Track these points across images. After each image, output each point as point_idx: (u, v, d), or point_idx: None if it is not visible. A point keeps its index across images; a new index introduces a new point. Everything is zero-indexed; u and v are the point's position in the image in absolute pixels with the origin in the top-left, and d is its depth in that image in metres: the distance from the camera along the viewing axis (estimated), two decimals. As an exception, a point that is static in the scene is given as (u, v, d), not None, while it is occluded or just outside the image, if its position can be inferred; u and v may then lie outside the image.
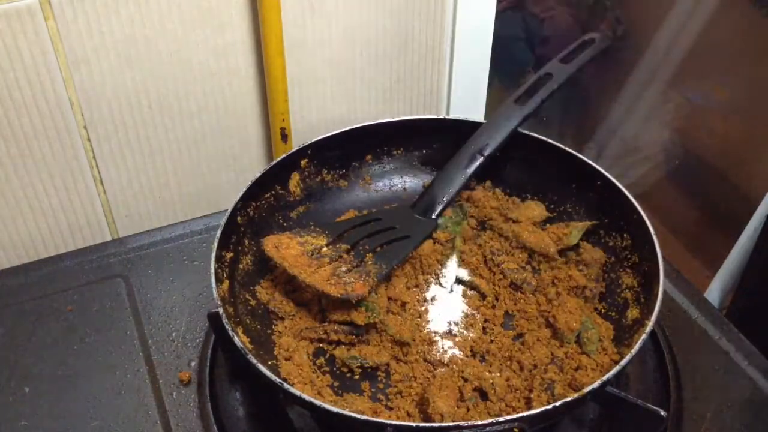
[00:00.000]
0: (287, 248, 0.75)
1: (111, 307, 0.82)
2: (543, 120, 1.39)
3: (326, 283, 0.72)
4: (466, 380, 0.69)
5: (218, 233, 0.74)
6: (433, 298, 0.80)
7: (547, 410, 0.60)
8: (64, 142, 0.87)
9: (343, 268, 0.74)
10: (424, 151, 0.92)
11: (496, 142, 0.82)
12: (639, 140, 1.27)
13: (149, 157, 0.93)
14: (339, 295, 0.71)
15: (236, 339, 0.65)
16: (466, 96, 1.07)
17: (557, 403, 0.60)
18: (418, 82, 1.03)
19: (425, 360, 0.73)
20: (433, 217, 0.82)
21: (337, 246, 0.77)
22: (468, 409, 0.67)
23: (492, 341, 0.74)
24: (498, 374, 0.70)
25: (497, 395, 0.68)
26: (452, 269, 0.82)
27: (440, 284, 0.81)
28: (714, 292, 1.09)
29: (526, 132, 0.86)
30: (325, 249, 0.76)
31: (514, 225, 0.85)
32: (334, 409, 0.60)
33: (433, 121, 0.90)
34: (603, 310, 0.77)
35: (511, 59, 1.40)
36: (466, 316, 0.78)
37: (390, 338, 0.73)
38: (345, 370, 0.73)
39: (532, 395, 0.67)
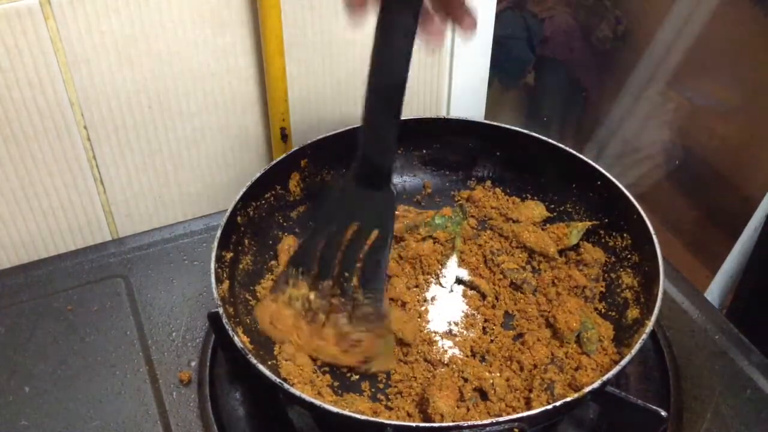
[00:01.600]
0: (281, 319, 0.73)
1: (111, 307, 0.83)
2: (543, 120, 1.40)
3: (341, 353, 0.71)
4: (466, 380, 0.69)
5: (218, 233, 0.74)
6: (433, 298, 0.80)
7: (547, 410, 0.60)
8: (64, 142, 0.87)
9: (343, 320, 0.71)
10: (424, 151, 0.92)
11: None
12: (639, 140, 1.28)
13: (149, 157, 0.93)
14: (360, 364, 0.71)
15: (236, 339, 0.65)
16: (466, 96, 1.07)
17: (557, 403, 0.60)
18: (418, 82, 1.03)
19: (425, 360, 0.73)
20: (390, 188, 0.72)
21: (320, 286, 0.72)
22: (468, 409, 0.67)
23: (492, 341, 0.74)
24: (498, 374, 0.70)
25: (497, 395, 0.68)
26: (452, 269, 0.82)
27: (440, 284, 0.81)
28: (714, 292, 1.09)
29: (527, 132, 0.86)
30: (312, 297, 0.72)
31: (514, 225, 0.85)
32: (334, 409, 0.60)
33: (433, 121, 0.90)
34: (603, 310, 0.77)
35: (511, 59, 1.40)
36: (466, 316, 0.78)
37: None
38: (345, 370, 0.73)
39: (531, 395, 0.67)
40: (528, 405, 0.67)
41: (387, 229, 0.71)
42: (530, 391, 0.68)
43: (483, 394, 0.68)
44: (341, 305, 0.71)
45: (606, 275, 0.80)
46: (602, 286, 0.79)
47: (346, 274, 0.71)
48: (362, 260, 0.71)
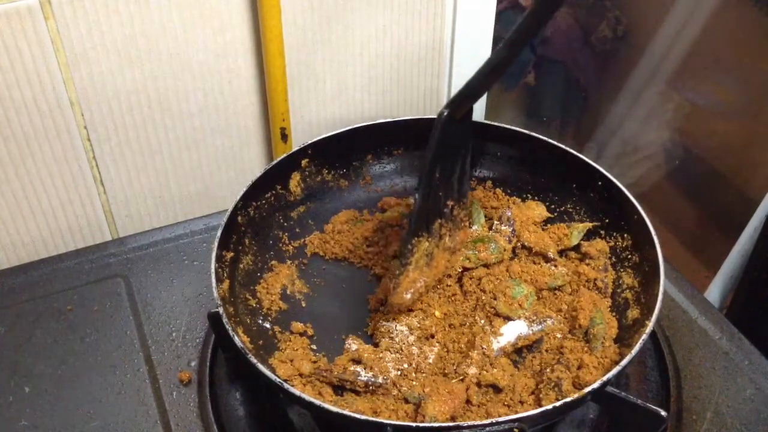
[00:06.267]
0: (413, 286, 0.74)
1: (111, 307, 0.83)
2: (543, 120, 1.39)
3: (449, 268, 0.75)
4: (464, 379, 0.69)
5: (219, 233, 0.74)
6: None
7: (546, 410, 0.60)
8: (64, 142, 0.87)
9: (447, 240, 0.75)
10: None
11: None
12: (639, 140, 1.27)
13: (149, 157, 0.93)
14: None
15: (236, 339, 0.65)
16: (466, 96, 1.07)
17: (557, 404, 0.60)
18: (418, 82, 1.03)
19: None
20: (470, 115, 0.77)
21: (432, 231, 0.74)
22: (468, 401, 0.67)
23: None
24: (503, 372, 0.70)
25: (503, 392, 0.68)
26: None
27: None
28: (714, 292, 1.09)
29: (527, 132, 0.86)
30: (427, 246, 0.74)
31: (514, 225, 0.85)
32: (334, 409, 0.60)
33: (434, 121, 0.90)
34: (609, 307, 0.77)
35: (511, 59, 1.40)
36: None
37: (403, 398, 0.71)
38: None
39: (540, 394, 0.67)
40: (535, 403, 0.67)
41: (467, 148, 0.78)
42: (537, 389, 0.68)
43: (486, 392, 0.68)
44: (447, 231, 0.75)
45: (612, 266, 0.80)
46: (613, 275, 0.79)
47: (448, 203, 0.76)
48: (453, 184, 0.76)
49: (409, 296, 0.73)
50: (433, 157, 0.72)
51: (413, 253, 0.72)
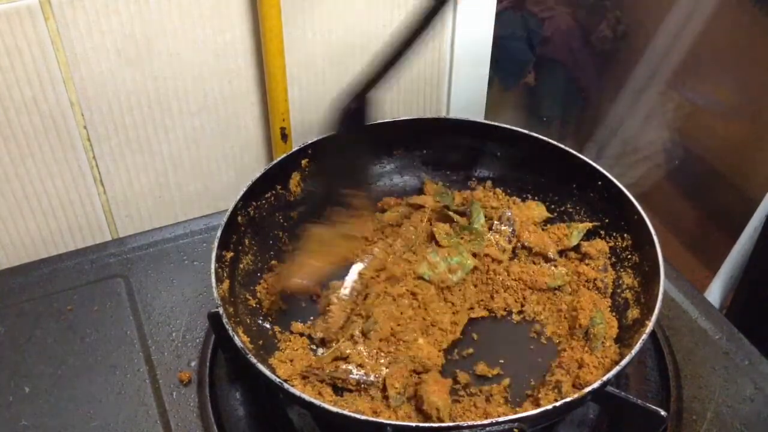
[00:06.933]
0: None
1: (111, 307, 0.82)
2: (543, 120, 1.40)
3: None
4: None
5: (219, 233, 0.74)
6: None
7: (546, 410, 0.60)
8: (64, 142, 0.87)
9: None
10: (424, 151, 0.92)
11: None
12: (639, 140, 1.28)
13: (149, 157, 0.93)
14: None
15: (236, 339, 0.65)
16: (466, 96, 1.07)
17: (557, 403, 0.60)
18: (418, 81, 1.03)
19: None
20: None
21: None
22: (463, 398, 0.67)
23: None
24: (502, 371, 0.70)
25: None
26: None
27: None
28: (714, 292, 1.09)
29: (527, 132, 0.86)
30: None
31: (514, 225, 0.85)
32: (334, 409, 0.60)
33: (433, 121, 0.90)
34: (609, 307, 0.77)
35: (511, 59, 1.40)
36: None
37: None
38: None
39: (539, 395, 0.67)
40: (535, 404, 0.67)
41: (362, 139, 0.78)
42: (537, 390, 0.68)
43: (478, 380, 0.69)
44: (341, 218, 0.77)
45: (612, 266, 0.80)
46: (613, 275, 0.79)
47: (343, 191, 0.77)
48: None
49: (299, 281, 0.75)
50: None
51: (303, 239, 0.75)
